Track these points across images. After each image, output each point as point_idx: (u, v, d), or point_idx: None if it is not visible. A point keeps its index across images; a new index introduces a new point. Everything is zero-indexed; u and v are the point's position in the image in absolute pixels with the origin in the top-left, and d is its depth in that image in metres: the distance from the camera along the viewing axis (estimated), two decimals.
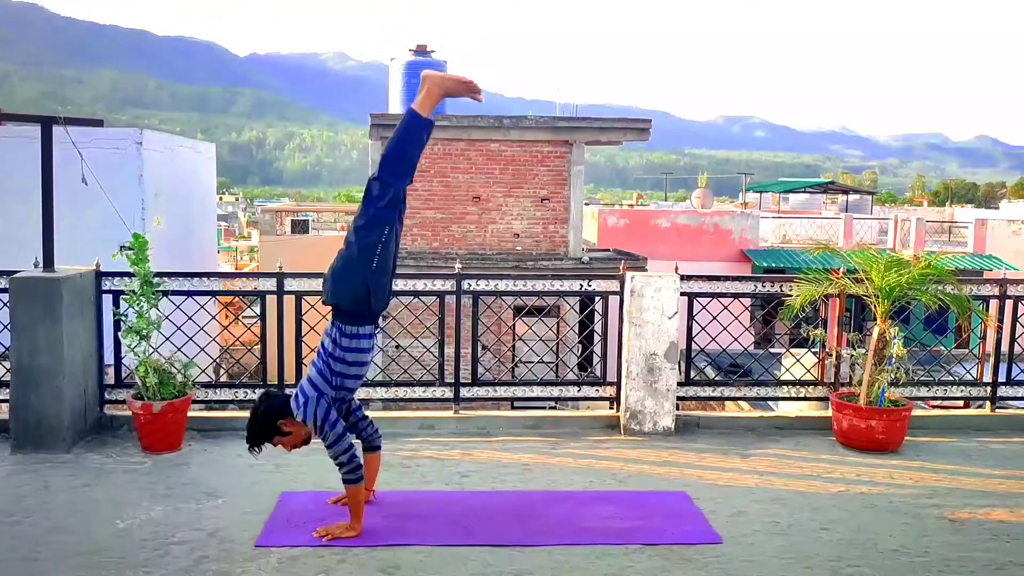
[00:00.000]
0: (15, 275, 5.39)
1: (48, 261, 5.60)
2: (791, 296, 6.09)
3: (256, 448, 4.15)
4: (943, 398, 6.57)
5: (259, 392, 6.07)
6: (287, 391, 4.30)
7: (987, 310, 6.33)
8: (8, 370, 5.46)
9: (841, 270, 6.06)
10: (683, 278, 6.04)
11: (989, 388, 6.43)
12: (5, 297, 5.52)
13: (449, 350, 6.17)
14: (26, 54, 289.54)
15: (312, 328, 6.08)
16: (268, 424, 4.10)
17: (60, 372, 5.31)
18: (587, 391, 6.36)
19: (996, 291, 6.40)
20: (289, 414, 4.09)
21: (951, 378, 6.52)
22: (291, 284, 6.02)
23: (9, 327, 5.35)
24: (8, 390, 5.43)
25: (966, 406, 7.42)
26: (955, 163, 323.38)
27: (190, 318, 6.05)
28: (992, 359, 6.43)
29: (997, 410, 6.43)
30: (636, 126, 17.54)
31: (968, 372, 6.62)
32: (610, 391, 6.22)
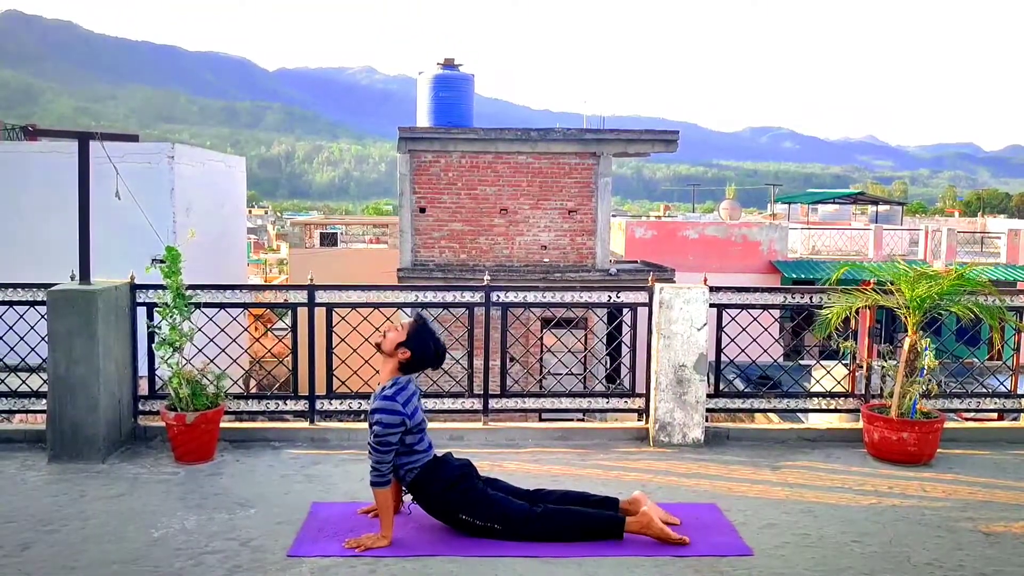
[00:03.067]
0: (53, 288, 5.49)
1: (84, 274, 5.69)
2: (821, 308, 6.06)
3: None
4: (976, 410, 6.50)
5: (290, 403, 6.15)
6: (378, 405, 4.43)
7: (1021, 321, 6.26)
8: (45, 381, 5.55)
9: (871, 282, 6.03)
10: (712, 289, 6.03)
11: (1023, 400, 6.35)
12: (43, 309, 5.62)
13: (478, 362, 6.19)
14: (60, 71, 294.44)
15: (343, 340, 6.14)
16: (409, 338, 4.30)
17: (96, 383, 5.39)
18: (616, 403, 6.35)
19: None
20: (408, 347, 4.28)
21: (984, 390, 6.45)
22: (321, 296, 6.07)
23: (47, 339, 5.44)
24: (45, 401, 5.53)
25: (1000, 418, 7.33)
26: (987, 173, 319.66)
27: (222, 330, 6.12)
28: None
29: None
30: (663, 137, 17.51)
31: (1001, 384, 6.54)
32: (639, 403, 6.21)
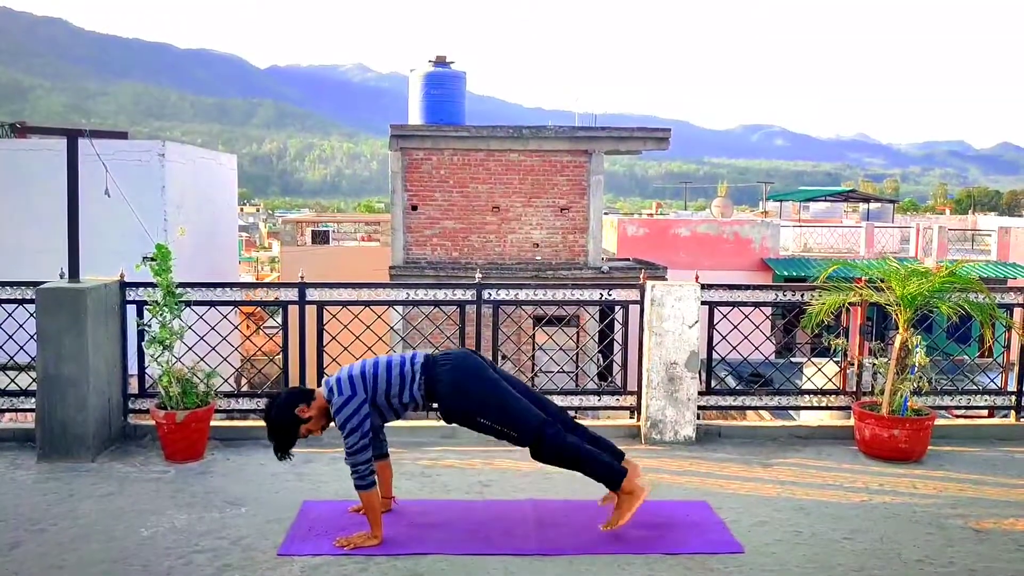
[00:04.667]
0: (41, 285, 5.46)
1: (74, 271, 5.67)
2: (812, 305, 6.06)
3: (286, 454, 4.21)
4: (967, 407, 6.52)
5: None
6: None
7: (1011, 318, 6.28)
8: (34, 379, 5.53)
9: (863, 279, 6.04)
10: (704, 287, 6.03)
11: (1014, 397, 6.37)
12: (32, 307, 5.59)
13: None
14: (50, 67, 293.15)
15: (334, 338, 6.12)
16: (287, 419, 4.15)
17: (85, 381, 5.37)
18: (607, 400, 6.35)
19: (1021, 299, 6.36)
20: (301, 401, 4.16)
21: (975, 387, 6.47)
22: (313, 294, 6.06)
23: (35, 337, 5.41)
24: (34, 399, 5.50)
25: (990, 415, 7.36)
26: (977, 171, 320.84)
27: (213, 328, 6.10)
28: (1017, 368, 6.37)
29: (1022, 419, 6.36)
30: (655, 135, 17.53)
31: (992, 381, 6.56)
32: (630, 400, 6.21)
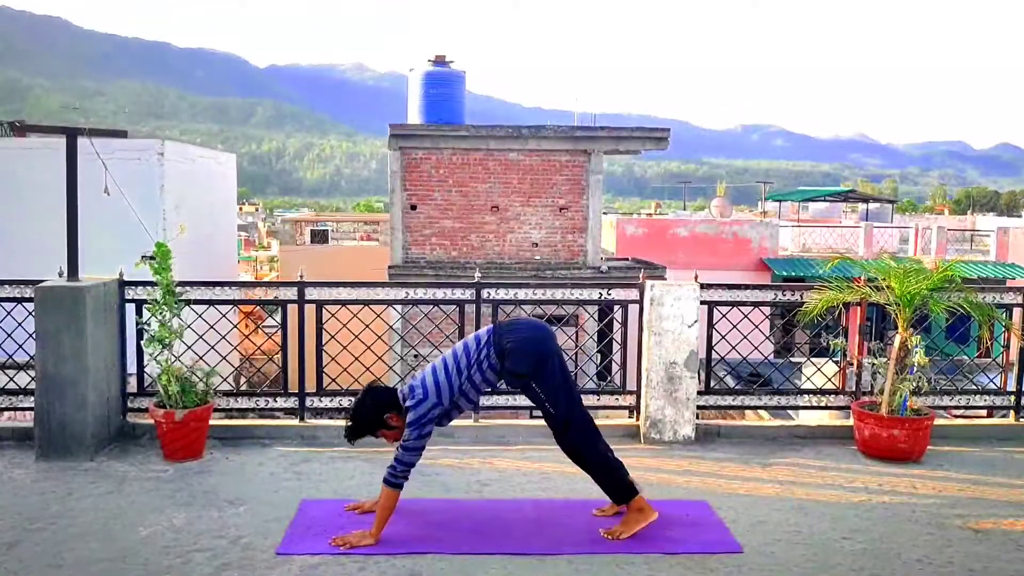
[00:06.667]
0: (40, 284, 5.45)
1: (72, 270, 5.66)
2: (812, 303, 6.06)
3: (355, 439, 4.27)
4: (966, 407, 6.52)
5: (280, 400, 6.13)
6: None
7: (1010, 319, 6.28)
8: (33, 378, 5.52)
9: (862, 278, 6.03)
10: (703, 287, 6.03)
11: (1013, 397, 6.37)
12: (30, 306, 5.59)
13: None
14: (48, 66, 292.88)
15: (333, 337, 6.12)
16: (375, 416, 4.21)
17: (84, 380, 5.37)
18: (607, 400, 6.35)
19: (1019, 299, 6.36)
20: (396, 408, 4.19)
21: (974, 387, 6.47)
22: (312, 293, 6.05)
23: (34, 335, 5.41)
24: (33, 398, 5.49)
25: (989, 415, 7.36)
26: (976, 171, 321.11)
27: (212, 327, 6.10)
28: (1016, 368, 6.37)
29: (1021, 419, 6.36)
30: (654, 135, 17.51)
31: (991, 381, 6.56)
32: (630, 400, 6.21)
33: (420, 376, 4.27)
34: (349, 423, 4.26)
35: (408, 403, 4.15)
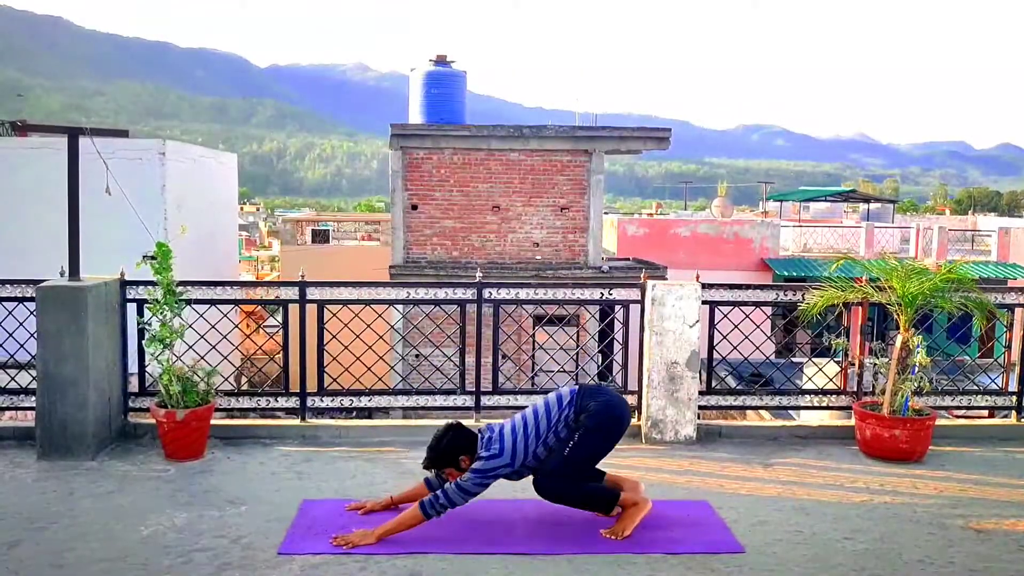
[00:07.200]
0: (42, 284, 5.45)
1: (74, 270, 5.66)
2: (813, 301, 6.06)
3: (433, 468, 4.28)
4: (967, 407, 6.51)
5: (281, 400, 6.12)
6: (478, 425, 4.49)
7: (1012, 318, 6.27)
8: (34, 378, 5.52)
9: (864, 278, 6.03)
10: (704, 287, 6.03)
11: (1014, 397, 6.37)
12: (32, 305, 5.59)
13: (470, 359, 6.18)
14: (50, 67, 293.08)
15: (334, 337, 6.12)
16: (451, 456, 4.21)
17: (85, 380, 5.36)
18: None
19: (1021, 299, 6.35)
20: (472, 452, 4.19)
21: (975, 387, 6.46)
22: (313, 293, 6.05)
23: (36, 335, 5.41)
24: (34, 397, 5.49)
25: (991, 416, 7.35)
26: (977, 171, 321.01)
27: (213, 327, 6.10)
28: (1017, 368, 6.36)
29: (1022, 419, 6.36)
30: (655, 135, 17.50)
31: (993, 381, 6.55)
32: (631, 400, 6.20)
33: (502, 427, 4.29)
34: (429, 452, 4.25)
35: (482, 452, 4.17)
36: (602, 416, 4.27)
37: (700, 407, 6.02)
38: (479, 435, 4.26)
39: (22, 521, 4.35)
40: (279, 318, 6.27)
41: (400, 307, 7.81)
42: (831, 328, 6.71)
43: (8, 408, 6.08)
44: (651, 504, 4.34)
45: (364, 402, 6.25)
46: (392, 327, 8.65)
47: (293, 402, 6.11)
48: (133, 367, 6.00)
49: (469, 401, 6.15)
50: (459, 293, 6.20)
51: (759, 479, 5.18)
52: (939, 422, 5.91)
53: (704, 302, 6.04)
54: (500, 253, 17.14)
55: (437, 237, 17.12)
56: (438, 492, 4.12)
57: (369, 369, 6.21)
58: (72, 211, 5.67)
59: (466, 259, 16.89)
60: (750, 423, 6.60)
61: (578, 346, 12.42)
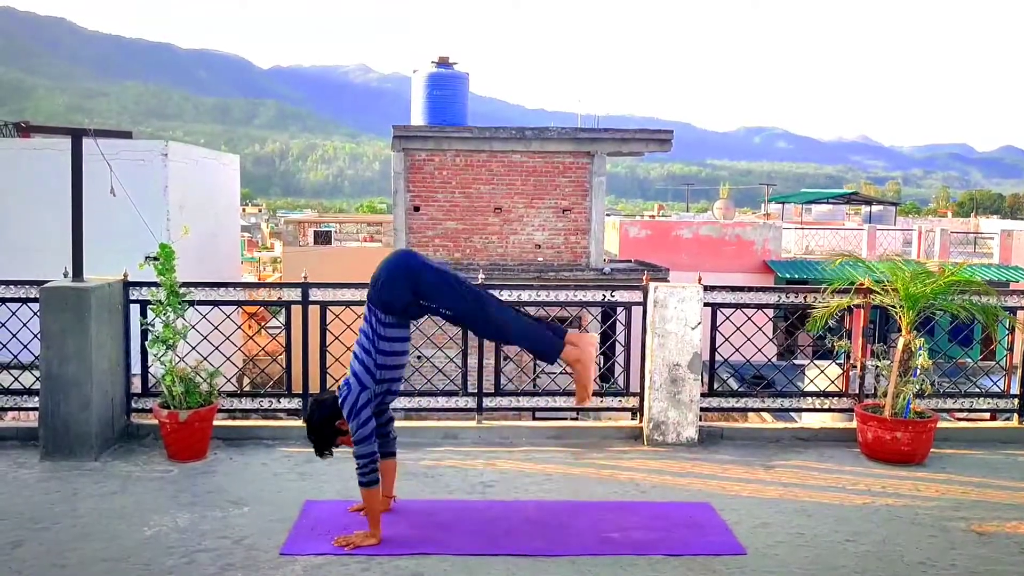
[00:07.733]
0: (45, 284, 5.47)
1: (77, 271, 5.67)
2: (815, 307, 6.07)
3: (327, 453, 4.26)
4: (969, 410, 6.51)
5: (284, 401, 6.13)
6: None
7: (1015, 321, 6.27)
8: (38, 378, 5.53)
9: (867, 280, 6.03)
10: (706, 289, 6.03)
11: (1016, 400, 6.37)
12: (35, 306, 5.60)
13: (472, 360, 6.19)
14: (52, 68, 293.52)
15: (336, 338, 6.13)
16: (328, 428, 4.20)
17: (88, 381, 5.37)
18: (610, 402, 6.34)
19: (1023, 302, 6.35)
20: (341, 414, 4.15)
21: (977, 390, 6.46)
22: (316, 294, 6.06)
23: (39, 336, 5.42)
24: (38, 398, 5.50)
25: (993, 418, 7.35)
26: (980, 174, 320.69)
27: (216, 328, 6.11)
28: (1019, 371, 6.36)
29: None
30: (657, 137, 17.52)
31: (995, 384, 6.55)
32: (633, 402, 6.21)
33: (347, 376, 4.24)
34: (311, 440, 4.24)
35: (341, 403, 4.13)
36: (390, 280, 4.11)
37: (702, 409, 6.02)
38: (338, 395, 4.20)
39: (25, 521, 4.36)
40: (281, 319, 6.28)
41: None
42: (833, 330, 6.71)
43: (11, 408, 6.09)
44: (589, 345, 4.21)
45: None
46: None
47: (295, 403, 6.12)
48: (136, 368, 6.00)
49: (471, 403, 6.16)
50: None
51: (761, 481, 5.18)
52: (941, 424, 5.91)
53: (706, 304, 6.04)
54: (502, 255, 17.15)
55: (439, 238, 17.13)
56: (355, 461, 4.08)
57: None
58: (76, 212, 5.69)
59: (468, 261, 16.90)
60: (752, 425, 6.61)
61: None
